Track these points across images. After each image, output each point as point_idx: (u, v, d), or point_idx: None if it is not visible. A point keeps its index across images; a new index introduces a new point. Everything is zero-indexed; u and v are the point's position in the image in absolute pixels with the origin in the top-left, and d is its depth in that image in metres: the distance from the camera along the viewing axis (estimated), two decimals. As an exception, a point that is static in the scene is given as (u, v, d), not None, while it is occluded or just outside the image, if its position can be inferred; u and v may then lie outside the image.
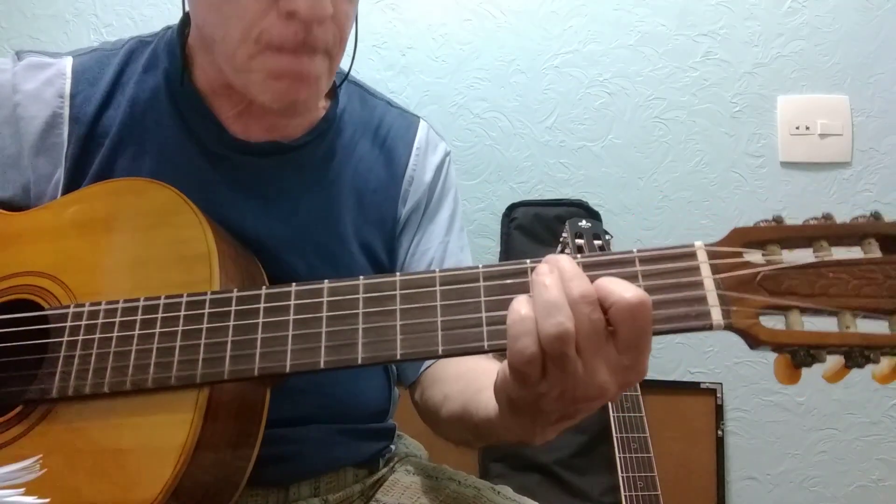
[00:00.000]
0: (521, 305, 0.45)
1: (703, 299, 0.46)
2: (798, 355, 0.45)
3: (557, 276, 0.44)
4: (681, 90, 1.47)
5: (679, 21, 1.47)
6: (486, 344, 0.48)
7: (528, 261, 0.49)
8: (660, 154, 1.47)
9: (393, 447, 0.81)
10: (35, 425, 0.55)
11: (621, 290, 0.43)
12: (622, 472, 1.10)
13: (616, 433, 1.14)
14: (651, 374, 1.39)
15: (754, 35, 1.46)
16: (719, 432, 1.36)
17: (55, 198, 0.67)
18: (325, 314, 0.52)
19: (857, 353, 0.44)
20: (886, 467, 1.40)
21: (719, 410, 1.37)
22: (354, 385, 0.74)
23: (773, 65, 1.45)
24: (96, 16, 1.52)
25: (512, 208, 1.47)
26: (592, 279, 0.45)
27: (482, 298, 0.49)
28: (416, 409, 0.78)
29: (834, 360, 0.46)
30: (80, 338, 0.55)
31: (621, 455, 1.11)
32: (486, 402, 0.55)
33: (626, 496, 1.07)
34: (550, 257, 0.47)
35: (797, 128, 1.44)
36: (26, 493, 0.45)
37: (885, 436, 1.40)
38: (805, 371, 0.46)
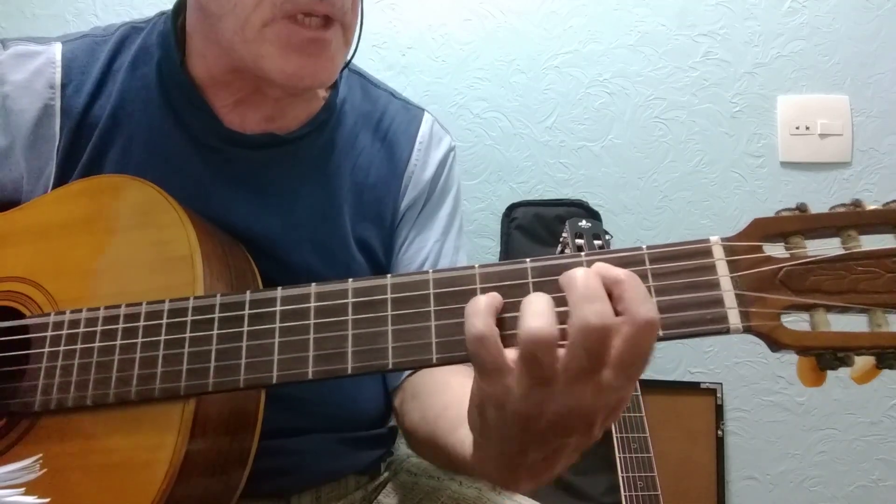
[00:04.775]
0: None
1: (719, 301, 0.42)
2: (824, 358, 0.41)
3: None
4: (681, 90, 1.47)
5: (679, 21, 1.47)
6: None
7: (527, 260, 0.46)
8: (660, 154, 1.47)
9: (394, 450, 0.80)
10: (20, 439, 0.53)
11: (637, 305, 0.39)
12: (622, 472, 1.10)
13: (616, 433, 1.14)
14: (651, 374, 1.38)
15: (754, 35, 1.46)
16: (719, 432, 1.36)
17: (47, 191, 0.65)
18: (312, 321, 0.48)
19: (891, 355, 0.40)
20: (886, 467, 1.39)
21: (719, 410, 1.37)
22: (355, 391, 0.72)
23: (773, 65, 1.45)
24: (96, 16, 1.53)
25: (512, 208, 1.47)
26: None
27: None
28: (394, 416, 0.75)
29: (863, 360, 0.41)
30: (62, 348, 0.53)
31: (621, 455, 1.11)
32: (463, 439, 0.51)
33: (626, 496, 1.07)
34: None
35: (797, 128, 1.44)
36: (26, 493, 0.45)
37: (885, 436, 1.40)
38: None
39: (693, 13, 1.47)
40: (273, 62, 0.60)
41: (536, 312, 0.39)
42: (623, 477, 1.09)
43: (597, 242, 1.15)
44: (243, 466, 0.57)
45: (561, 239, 1.20)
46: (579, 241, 1.15)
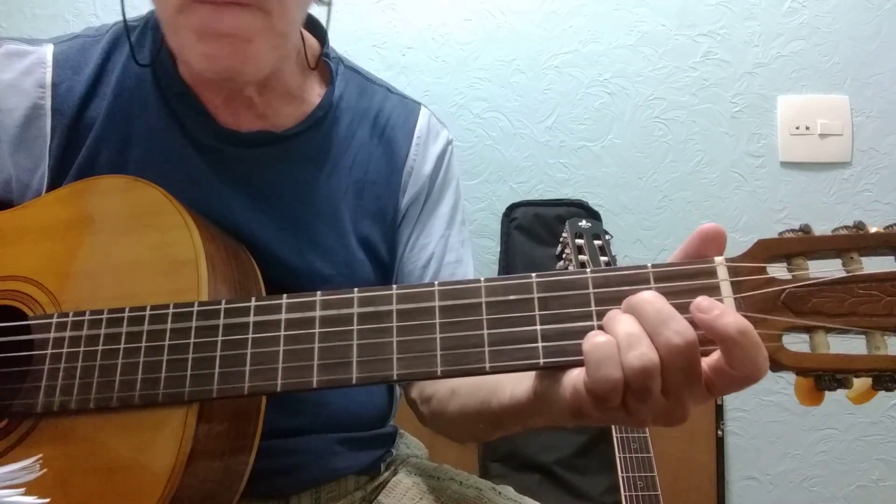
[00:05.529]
0: (598, 332, 0.43)
1: None
2: (823, 380, 0.42)
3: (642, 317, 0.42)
4: (681, 90, 1.47)
5: (679, 21, 1.47)
6: (487, 365, 0.45)
7: (532, 275, 0.46)
8: (660, 154, 1.47)
9: (394, 450, 0.80)
10: (21, 441, 0.53)
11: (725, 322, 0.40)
12: (622, 472, 1.09)
13: (616, 433, 1.14)
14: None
15: (754, 35, 1.46)
16: (719, 432, 1.36)
17: (40, 192, 0.65)
18: (317, 330, 0.48)
19: (888, 378, 0.42)
20: (886, 467, 1.40)
21: (719, 410, 1.37)
22: (354, 392, 0.72)
23: (773, 65, 1.45)
24: (96, 16, 1.53)
25: (512, 208, 1.47)
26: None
27: (484, 316, 0.46)
28: (412, 409, 0.76)
29: (860, 382, 0.43)
30: (65, 350, 0.53)
31: (621, 455, 1.11)
32: (512, 389, 0.52)
33: (626, 496, 1.07)
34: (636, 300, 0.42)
35: (797, 128, 1.44)
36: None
37: (885, 436, 1.40)
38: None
39: (693, 13, 1.47)
40: (191, 49, 0.58)
41: (634, 342, 0.41)
42: (623, 477, 1.09)
43: (597, 242, 1.15)
44: (245, 467, 0.57)
45: (561, 239, 1.20)
46: (579, 242, 1.15)
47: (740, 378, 0.40)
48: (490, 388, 0.57)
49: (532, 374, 0.49)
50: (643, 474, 1.09)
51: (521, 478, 1.31)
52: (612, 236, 1.18)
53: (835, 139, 1.44)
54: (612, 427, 1.15)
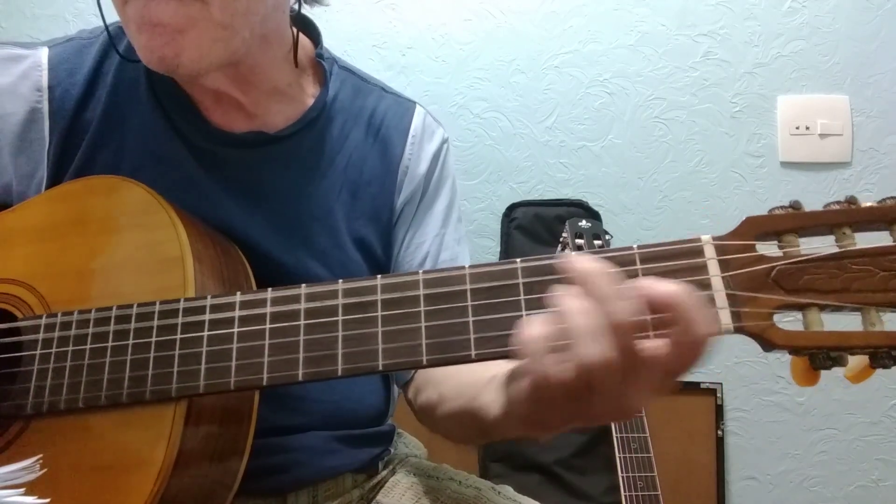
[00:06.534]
0: (535, 322, 0.40)
1: (710, 301, 0.42)
2: (817, 358, 0.41)
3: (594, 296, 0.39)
4: (681, 90, 1.47)
5: (679, 21, 1.47)
6: (473, 353, 0.45)
7: (517, 260, 0.46)
8: (660, 154, 1.47)
9: (392, 449, 0.80)
10: (12, 443, 0.53)
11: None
12: (622, 472, 1.10)
13: (616, 433, 1.14)
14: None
15: (754, 35, 1.46)
16: (719, 432, 1.36)
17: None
18: (302, 322, 0.48)
19: (884, 355, 0.40)
20: (886, 467, 1.39)
21: (719, 410, 1.37)
22: (352, 390, 0.72)
23: (773, 65, 1.45)
24: (96, 16, 1.52)
25: (512, 208, 1.47)
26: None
27: (469, 303, 0.45)
28: (410, 408, 0.76)
29: (857, 360, 0.41)
30: (53, 350, 0.53)
31: (621, 455, 1.11)
32: (490, 403, 0.52)
33: (626, 496, 1.07)
34: (580, 270, 0.40)
35: (797, 128, 1.44)
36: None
37: (885, 436, 1.40)
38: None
39: (693, 13, 1.47)
40: (134, 41, 0.57)
41: (591, 335, 0.38)
42: (623, 477, 1.09)
43: (597, 242, 1.15)
44: (238, 465, 0.57)
45: (561, 239, 1.20)
46: (579, 241, 1.15)
47: (691, 342, 0.38)
48: (472, 393, 0.56)
49: (505, 381, 0.48)
50: (643, 474, 1.09)
51: (521, 478, 1.31)
52: (612, 236, 1.18)
53: (835, 139, 1.44)
54: (613, 427, 1.15)
